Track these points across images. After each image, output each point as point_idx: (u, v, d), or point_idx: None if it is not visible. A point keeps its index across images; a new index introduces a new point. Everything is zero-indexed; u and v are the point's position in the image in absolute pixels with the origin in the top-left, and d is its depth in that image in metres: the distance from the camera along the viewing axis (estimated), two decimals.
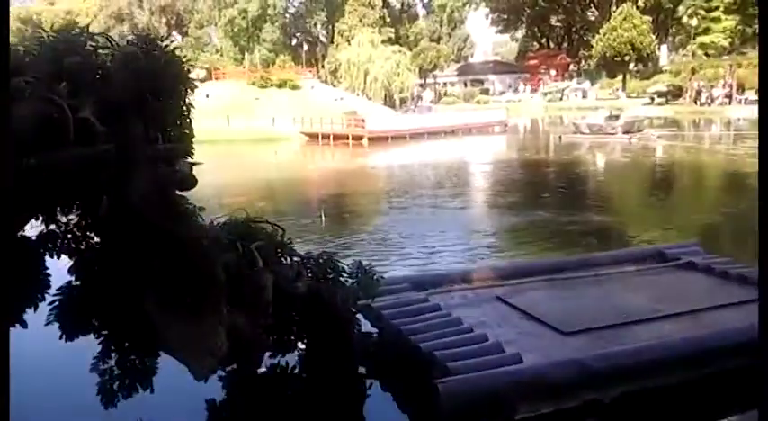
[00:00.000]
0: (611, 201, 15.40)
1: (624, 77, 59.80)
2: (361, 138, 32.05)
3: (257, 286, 3.68)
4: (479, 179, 20.54)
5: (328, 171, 25.24)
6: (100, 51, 3.58)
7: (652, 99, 50.38)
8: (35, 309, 3.45)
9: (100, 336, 3.72)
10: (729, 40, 59.29)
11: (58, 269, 3.70)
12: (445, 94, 68.99)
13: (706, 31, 59.06)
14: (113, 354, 3.78)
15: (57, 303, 3.68)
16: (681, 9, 60.70)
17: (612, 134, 27.98)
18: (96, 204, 3.28)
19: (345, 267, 4.75)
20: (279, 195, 17.60)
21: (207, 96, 42.63)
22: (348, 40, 60.24)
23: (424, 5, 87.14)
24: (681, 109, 44.88)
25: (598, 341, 4.86)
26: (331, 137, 33.11)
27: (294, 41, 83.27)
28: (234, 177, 22.19)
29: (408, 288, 5.95)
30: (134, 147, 3.01)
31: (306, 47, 77.05)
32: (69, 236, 3.64)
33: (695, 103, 46.36)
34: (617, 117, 30.38)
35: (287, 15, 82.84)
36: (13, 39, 3.61)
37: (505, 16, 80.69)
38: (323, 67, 68.94)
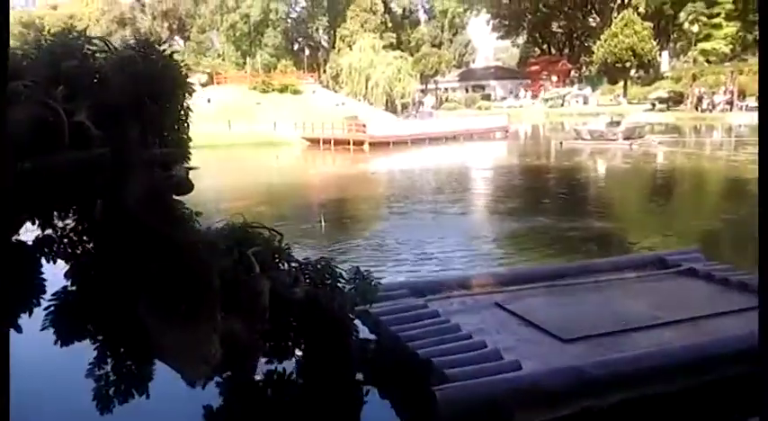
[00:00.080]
0: (612, 208, 15.37)
1: (625, 83, 59.93)
2: (362, 143, 32.08)
3: (254, 292, 3.66)
4: (480, 185, 20.54)
5: (329, 176, 25.25)
6: (98, 55, 3.57)
7: (653, 105, 50.40)
8: (30, 315, 3.43)
9: (95, 342, 3.70)
10: (731, 46, 59.41)
11: (54, 274, 3.69)
12: (447, 100, 69.08)
13: (707, 37, 59.17)
14: (109, 360, 3.76)
15: (52, 308, 3.66)
16: (682, 15, 60.78)
17: (613, 140, 27.99)
18: (92, 208, 3.27)
19: (343, 273, 4.73)
20: (279, 200, 17.59)
21: (208, 101, 42.77)
22: (350, 46, 60.47)
23: (425, 11, 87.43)
24: (682, 115, 44.88)
25: (597, 348, 4.83)
26: (332, 142, 33.13)
27: (296, 46, 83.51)
28: (234, 182, 22.23)
29: (407, 294, 5.92)
30: (130, 152, 3.00)
31: (308, 52, 77.18)
32: (66, 240, 3.63)
33: (696, 109, 46.38)
34: (618, 123, 30.39)
35: (289, 20, 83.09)
36: (15, 43, 3.62)
37: (507, 22, 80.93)
38: (324, 72, 69.13)
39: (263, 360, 4.50)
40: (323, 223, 12.39)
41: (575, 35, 79.10)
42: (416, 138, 33.93)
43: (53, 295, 3.67)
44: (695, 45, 59.31)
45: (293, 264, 4.47)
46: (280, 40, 79.58)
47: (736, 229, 11.33)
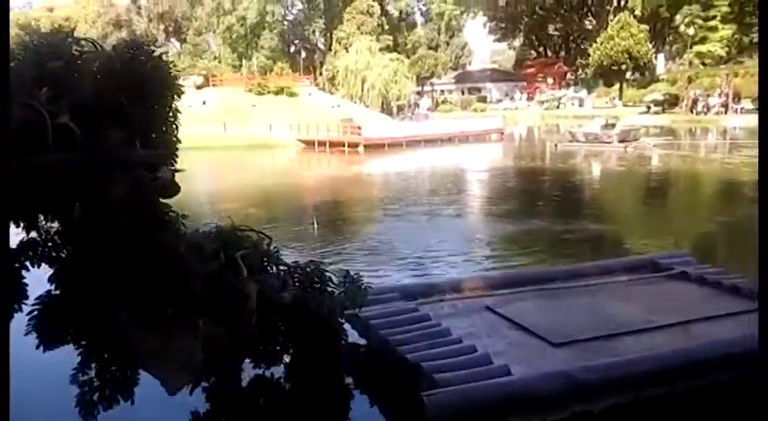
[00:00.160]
0: (607, 210, 15.38)
1: (621, 86, 60.05)
2: (357, 145, 32.06)
3: (240, 296, 3.61)
4: (475, 187, 20.53)
5: (323, 178, 25.22)
6: (84, 56, 3.54)
7: (648, 108, 50.50)
8: (10, 320, 3.38)
9: (79, 347, 3.65)
10: (726, 49, 59.62)
11: (38, 277, 3.64)
12: (443, 102, 69.13)
13: (703, 40, 59.37)
14: (93, 365, 3.71)
15: (35, 312, 3.62)
16: (678, 18, 61.00)
17: (608, 143, 28.02)
18: (83, 210, 3.22)
19: (333, 276, 4.70)
20: (272, 202, 17.56)
21: (204, 103, 42.76)
22: (346, 48, 60.47)
23: (422, 13, 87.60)
24: (677, 118, 44.98)
25: (588, 352, 4.80)
26: (327, 144, 33.10)
27: (292, 49, 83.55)
28: (228, 184, 22.20)
29: (397, 297, 5.89)
30: (114, 153, 2.97)
31: (304, 54, 77.28)
32: (50, 244, 3.59)
33: (691, 111, 46.48)
34: (613, 126, 30.44)
35: (285, 23, 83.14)
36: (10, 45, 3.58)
37: (503, 24, 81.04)
38: (321, 74, 69.15)
39: (250, 364, 4.47)
40: (315, 225, 12.36)
41: (571, 38, 79.25)
42: (412, 140, 33.93)
43: (36, 299, 3.63)
44: (691, 48, 59.49)
45: (282, 268, 4.43)
46: (276, 43, 79.58)
47: (729, 232, 11.35)
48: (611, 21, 60.00)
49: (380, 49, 55.93)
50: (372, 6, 69.60)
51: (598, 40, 59.22)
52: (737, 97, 46.45)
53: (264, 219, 13.03)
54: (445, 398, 4.00)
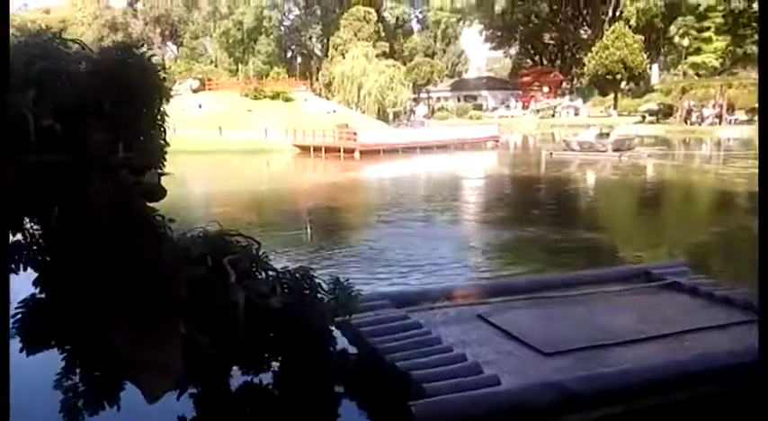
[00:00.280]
0: (600, 219, 15.37)
1: (616, 95, 60.28)
2: (353, 151, 32.02)
3: (227, 302, 3.56)
4: (469, 194, 20.51)
5: (318, 183, 25.16)
6: (71, 57, 3.51)
7: (643, 117, 50.70)
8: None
9: (63, 351, 3.60)
10: (720, 60, 60.02)
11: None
12: (439, 109, 69.23)
13: (697, 51, 59.74)
14: (77, 370, 3.66)
15: (19, 315, 3.56)
16: (672, 29, 61.32)
17: (603, 152, 28.07)
18: (60, 214, 3.18)
19: (323, 283, 4.65)
20: (265, 207, 17.47)
21: (200, 107, 42.68)
22: (343, 54, 60.45)
23: (418, 21, 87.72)
24: (671, 128, 45.15)
25: (579, 362, 4.76)
26: (323, 149, 33.06)
27: (289, 54, 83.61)
28: (221, 188, 22.11)
29: (389, 304, 5.85)
30: (97, 156, 2.92)
31: (300, 60, 77.27)
32: (35, 247, 3.53)
33: (685, 122, 46.69)
34: (607, 135, 30.50)
35: (282, 28, 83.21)
36: None
37: (499, 33, 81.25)
38: (317, 79, 69.16)
39: (239, 371, 4.42)
40: (309, 231, 12.30)
41: (566, 47, 79.55)
42: (407, 147, 33.92)
43: (20, 303, 3.58)
44: (685, 58, 59.84)
45: (271, 273, 4.39)
46: (273, 48, 79.60)
47: (723, 242, 11.36)
48: (607, 30, 60.24)
49: (377, 56, 55.96)
50: (369, 13, 69.65)
51: (593, 49, 59.45)
52: (731, 108, 46.72)
53: (257, 223, 12.98)
54: (433, 408, 3.96)
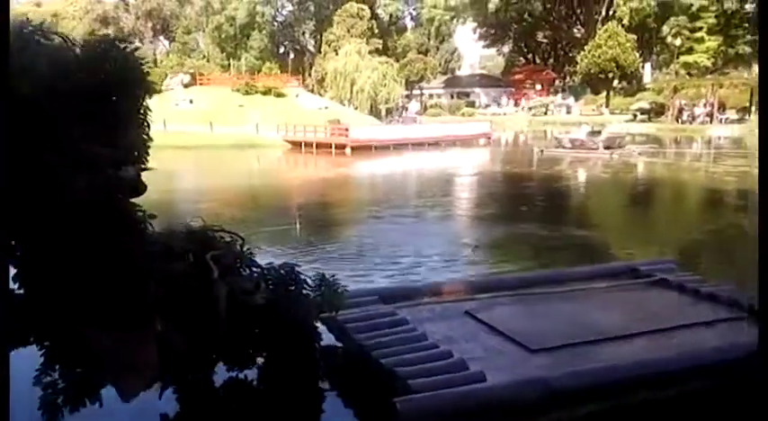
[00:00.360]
0: (590, 216, 15.40)
1: (608, 94, 60.45)
2: (344, 146, 31.94)
3: (209, 298, 3.52)
4: (459, 190, 20.50)
5: (308, 179, 25.09)
6: (50, 49, 3.44)
7: (635, 116, 50.86)
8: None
9: (42, 348, 3.55)
10: (712, 60, 60.28)
11: None
12: (431, 106, 69.17)
13: (689, 50, 59.93)
14: (56, 366, 3.61)
15: None
16: (665, 29, 61.50)
17: (594, 149, 28.12)
18: (39, 209, 3.12)
19: (308, 279, 4.62)
20: (253, 202, 17.38)
21: (191, 102, 42.47)
22: (336, 50, 60.25)
23: (412, 18, 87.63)
24: (662, 126, 45.30)
25: (566, 359, 4.75)
26: (314, 145, 32.96)
27: (281, 50, 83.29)
28: (210, 183, 21.99)
29: (376, 301, 5.82)
30: (75, 151, 2.87)
31: (293, 55, 77.00)
32: (13, 242, 3.48)
33: (677, 120, 46.86)
34: (599, 133, 30.57)
35: (275, 24, 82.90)
36: None
37: (493, 31, 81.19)
38: (309, 75, 68.97)
39: (224, 367, 4.38)
40: (298, 226, 12.24)
41: (559, 45, 79.67)
42: (399, 143, 33.86)
43: None
44: (677, 58, 60.01)
45: (255, 269, 4.35)
46: (265, 44, 79.35)
47: (713, 240, 11.40)
48: (600, 30, 60.37)
49: (370, 53, 55.79)
50: (363, 10, 69.43)
51: (586, 48, 59.58)
52: (722, 107, 46.96)
53: (243, 219, 12.90)
54: (418, 404, 3.93)
